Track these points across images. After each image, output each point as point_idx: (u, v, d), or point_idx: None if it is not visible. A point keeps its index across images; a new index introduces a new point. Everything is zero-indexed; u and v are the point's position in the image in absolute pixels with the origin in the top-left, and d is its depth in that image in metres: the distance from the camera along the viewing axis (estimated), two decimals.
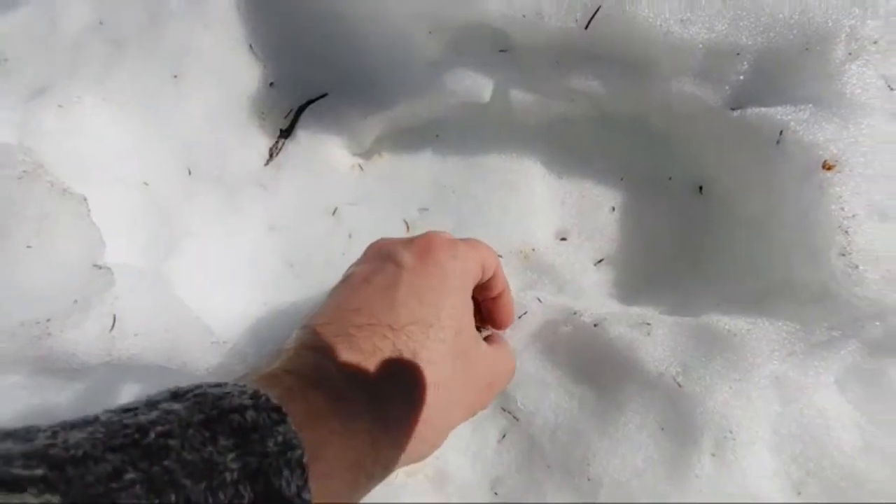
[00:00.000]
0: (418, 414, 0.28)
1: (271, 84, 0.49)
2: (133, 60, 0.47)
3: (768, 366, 0.35)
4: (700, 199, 0.45)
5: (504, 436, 0.40)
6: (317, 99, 0.49)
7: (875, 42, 0.36)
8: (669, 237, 0.45)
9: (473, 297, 0.34)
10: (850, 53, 0.36)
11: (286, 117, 0.49)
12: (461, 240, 0.34)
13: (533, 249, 0.46)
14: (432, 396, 0.28)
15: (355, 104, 0.48)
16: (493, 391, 0.35)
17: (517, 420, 0.39)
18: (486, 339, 0.35)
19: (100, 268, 0.35)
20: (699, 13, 0.38)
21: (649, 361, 0.36)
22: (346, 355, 0.27)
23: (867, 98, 0.36)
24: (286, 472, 0.19)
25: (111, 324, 0.35)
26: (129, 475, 0.16)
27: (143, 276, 0.40)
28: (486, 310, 0.37)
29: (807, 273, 0.35)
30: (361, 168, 0.50)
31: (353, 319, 0.29)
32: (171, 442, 0.18)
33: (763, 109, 0.39)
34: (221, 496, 0.18)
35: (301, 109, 0.49)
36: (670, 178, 0.46)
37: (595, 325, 0.39)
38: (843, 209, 0.34)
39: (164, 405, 0.20)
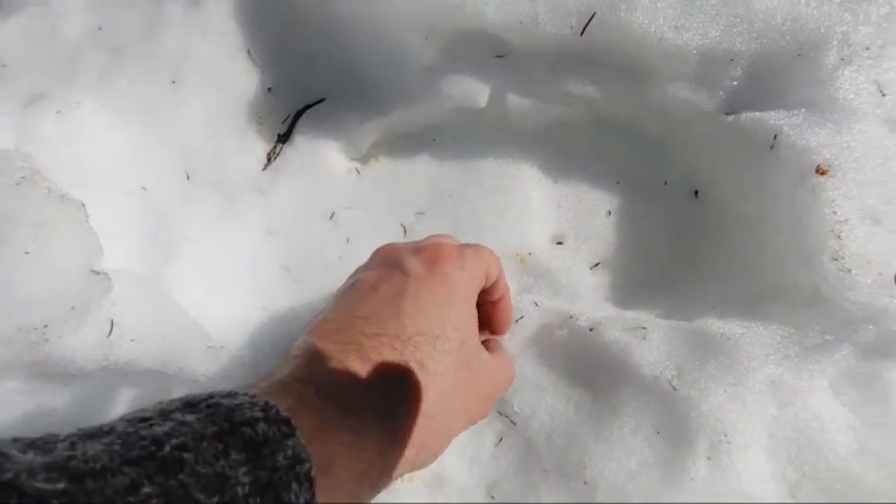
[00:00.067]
0: (424, 424, 0.28)
1: (269, 89, 0.49)
2: (132, 66, 0.47)
3: (763, 369, 0.35)
4: (696, 203, 0.46)
5: (501, 439, 0.40)
6: (314, 104, 0.49)
7: (867, 48, 0.37)
8: (665, 241, 0.46)
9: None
10: (842, 59, 0.37)
11: (284, 122, 0.50)
12: (466, 246, 0.34)
13: (529, 253, 0.46)
14: (437, 407, 0.28)
15: (352, 109, 0.48)
16: (493, 400, 0.35)
17: (514, 424, 0.39)
18: (486, 346, 0.36)
19: (97, 273, 0.35)
20: (693, 20, 0.38)
21: (644, 365, 0.36)
22: (356, 365, 0.27)
23: (859, 103, 0.37)
24: (295, 486, 0.20)
25: (109, 329, 0.36)
26: (146, 489, 0.17)
27: (141, 281, 0.40)
28: (486, 314, 0.37)
29: (800, 277, 0.36)
30: (359, 172, 0.50)
31: (361, 328, 0.29)
32: (186, 455, 0.18)
33: (757, 114, 0.39)
34: None
35: (299, 114, 0.49)
36: (666, 183, 0.46)
37: (591, 329, 0.39)
38: (835, 213, 0.34)
39: (178, 416, 0.20)
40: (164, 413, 0.20)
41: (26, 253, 0.33)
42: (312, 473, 0.21)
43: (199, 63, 0.48)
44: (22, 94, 0.45)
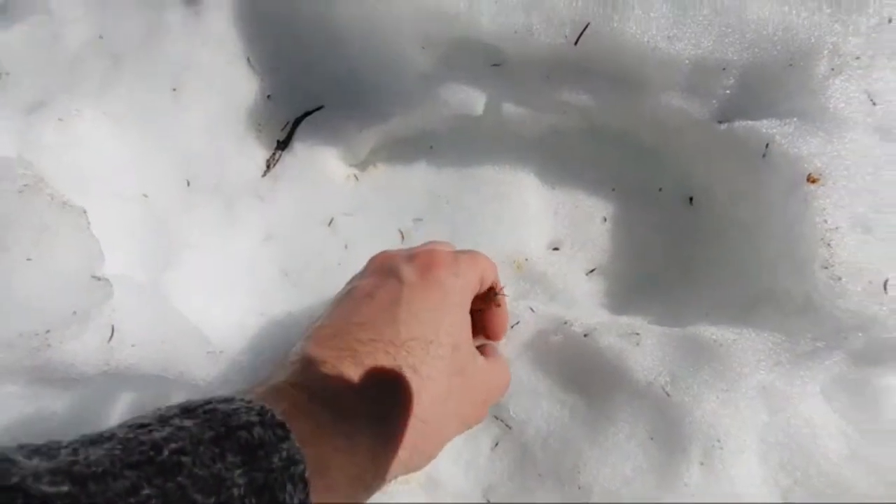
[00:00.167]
0: (417, 428, 0.28)
1: (269, 97, 0.50)
2: (132, 74, 0.47)
3: (755, 376, 0.35)
4: (690, 210, 0.46)
5: (497, 444, 0.40)
6: (313, 111, 0.50)
7: (857, 58, 0.37)
8: (660, 247, 0.46)
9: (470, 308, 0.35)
10: (832, 69, 0.37)
11: (283, 129, 0.50)
12: (462, 252, 0.35)
13: (526, 259, 0.46)
14: (430, 411, 0.29)
15: (351, 116, 0.49)
16: (488, 405, 0.35)
17: (509, 428, 0.40)
18: (482, 351, 0.36)
19: (98, 279, 0.36)
20: (685, 30, 0.39)
21: (638, 371, 0.37)
22: (351, 370, 0.28)
23: (850, 112, 0.37)
24: (289, 487, 0.21)
25: (109, 334, 0.36)
26: (146, 491, 0.18)
27: (142, 287, 0.40)
28: (482, 319, 0.38)
29: (792, 284, 0.36)
30: (357, 179, 0.51)
31: (357, 334, 0.29)
32: (184, 459, 0.19)
33: (749, 123, 0.40)
34: None
35: (298, 121, 0.50)
36: (661, 190, 0.47)
37: (585, 335, 0.39)
38: (826, 222, 0.35)
39: (176, 421, 0.21)
40: (163, 419, 0.21)
41: (28, 259, 0.34)
42: (307, 475, 0.21)
43: (200, 71, 0.48)
44: (23, 102, 0.46)
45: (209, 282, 0.46)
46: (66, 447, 0.19)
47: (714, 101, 0.41)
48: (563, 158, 0.48)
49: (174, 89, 0.47)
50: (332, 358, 0.28)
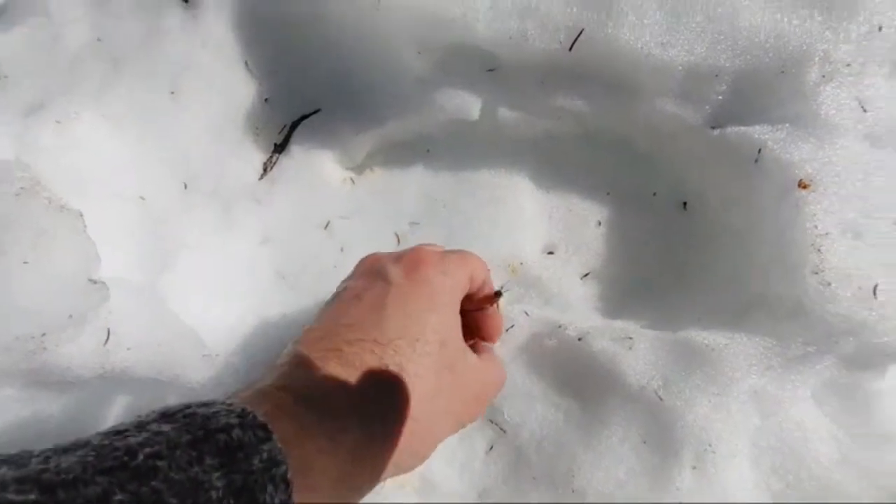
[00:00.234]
0: (405, 426, 0.28)
1: (266, 100, 0.50)
2: (131, 77, 0.48)
3: (747, 380, 0.36)
4: (684, 215, 0.46)
5: (491, 447, 0.40)
6: (310, 114, 0.50)
7: (848, 65, 0.38)
8: (654, 252, 0.46)
9: (463, 310, 0.35)
10: (823, 76, 0.38)
11: (280, 133, 0.50)
12: (451, 252, 0.35)
13: (521, 263, 0.47)
14: (418, 409, 0.29)
15: (348, 120, 0.49)
16: (482, 402, 0.35)
17: (504, 432, 0.40)
18: (475, 349, 0.36)
19: (95, 282, 0.36)
20: (679, 36, 0.39)
21: (631, 375, 0.37)
22: (336, 371, 0.28)
23: (841, 119, 0.37)
24: (270, 488, 0.20)
25: (105, 338, 0.36)
26: (118, 497, 0.17)
27: (138, 290, 0.40)
28: (475, 321, 0.38)
29: (783, 289, 0.36)
30: (353, 182, 0.51)
31: (344, 335, 0.29)
32: (160, 463, 0.19)
33: (742, 128, 0.40)
34: None
35: (295, 125, 0.50)
36: (655, 194, 0.47)
37: (579, 339, 0.40)
38: (816, 227, 0.35)
39: (154, 426, 0.20)
40: (141, 425, 0.21)
41: (25, 262, 0.34)
42: (289, 476, 0.21)
43: (198, 74, 0.48)
44: (22, 104, 0.46)
45: (206, 284, 0.46)
46: (38, 456, 0.18)
47: (707, 107, 0.41)
48: (558, 163, 0.49)
49: (172, 92, 0.48)
50: (318, 359, 0.28)
